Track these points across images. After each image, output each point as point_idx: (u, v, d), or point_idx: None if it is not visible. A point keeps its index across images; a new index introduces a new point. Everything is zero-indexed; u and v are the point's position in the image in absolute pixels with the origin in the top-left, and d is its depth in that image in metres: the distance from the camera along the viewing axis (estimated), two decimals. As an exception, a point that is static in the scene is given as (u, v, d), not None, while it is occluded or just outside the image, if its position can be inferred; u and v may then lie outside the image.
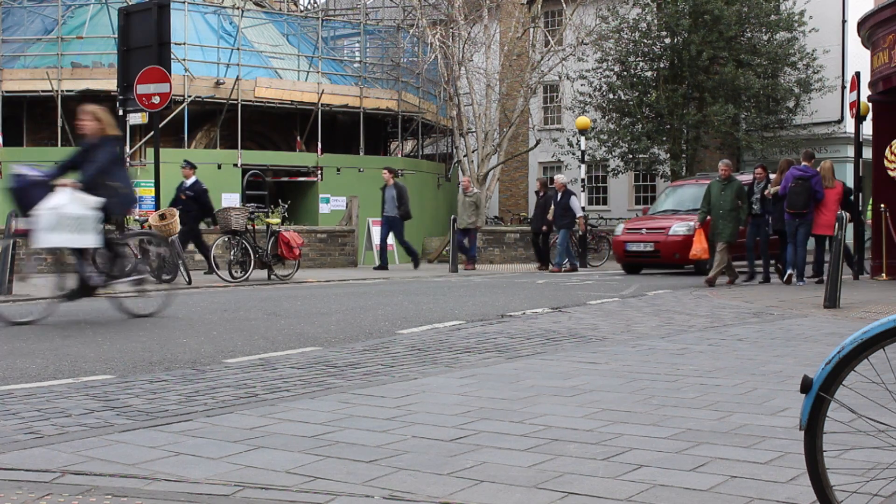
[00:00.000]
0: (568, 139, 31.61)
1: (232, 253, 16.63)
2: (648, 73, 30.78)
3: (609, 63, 30.86)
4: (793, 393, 5.49)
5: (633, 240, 20.62)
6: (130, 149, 23.12)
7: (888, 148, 16.29)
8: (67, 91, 24.70)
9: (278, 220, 17.79)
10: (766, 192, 16.06)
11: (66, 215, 9.52)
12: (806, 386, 2.77)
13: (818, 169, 15.65)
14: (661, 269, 20.58)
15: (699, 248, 16.48)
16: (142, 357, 7.38)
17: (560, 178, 22.38)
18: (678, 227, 19.78)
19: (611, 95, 30.78)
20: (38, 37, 26.59)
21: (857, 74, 17.19)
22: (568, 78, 31.45)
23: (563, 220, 21.49)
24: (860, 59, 21.60)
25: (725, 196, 15.88)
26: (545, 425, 4.79)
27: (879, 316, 8.85)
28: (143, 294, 11.21)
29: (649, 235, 20.34)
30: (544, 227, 22.05)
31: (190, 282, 15.53)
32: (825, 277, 14.50)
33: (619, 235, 21.17)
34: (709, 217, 16.45)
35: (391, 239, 23.13)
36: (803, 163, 15.83)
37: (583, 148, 26.31)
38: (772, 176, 16.78)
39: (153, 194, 17.73)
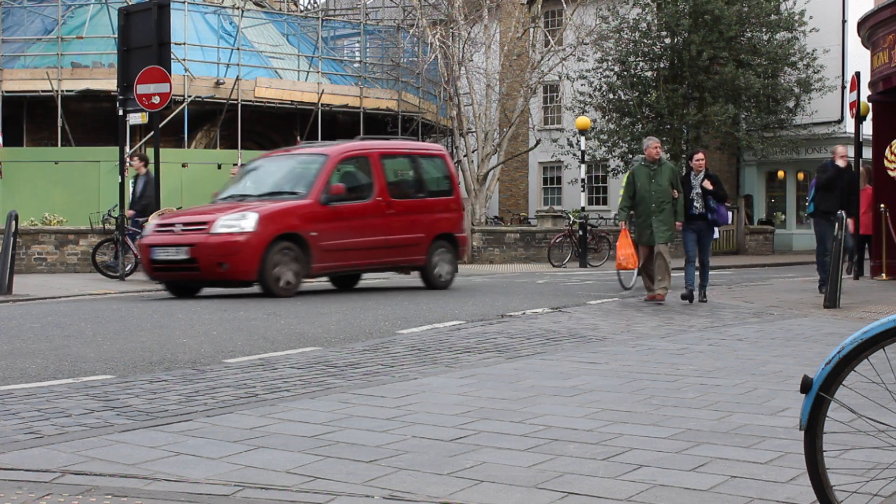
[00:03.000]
0: (568, 139, 31.60)
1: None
2: (648, 73, 30.79)
3: (609, 63, 30.86)
4: (793, 393, 5.49)
5: (163, 243, 13.32)
6: (130, 149, 23.11)
7: (888, 148, 16.28)
8: (67, 91, 24.69)
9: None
10: (704, 184, 12.58)
11: None
12: (806, 386, 2.77)
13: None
14: (208, 286, 13.76)
15: (625, 254, 12.88)
16: (142, 357, 7.38)
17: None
18: (227, 222, 13.01)
19: (611, 95, 30.78)
20: (38, 37, 26.59)
21: (857, 74, 17.18)
22: (568, 78, 31.45)
23: None
24: (860, 59, 21.59)
25: (658, 184, 12.26)
26: (545, 425, 4.79)
27: (879, 316, 8.83)
28: None
29: (185, 235, 13.19)
30: None
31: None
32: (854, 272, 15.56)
33: (146, 236, 13.87)
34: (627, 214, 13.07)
35: None
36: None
37: (583, 148, 26.31)
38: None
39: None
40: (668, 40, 30.01)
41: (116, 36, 19.31)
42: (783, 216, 35.45)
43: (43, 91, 24.74)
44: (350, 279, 15.48)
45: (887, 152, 16.29)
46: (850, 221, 13.19)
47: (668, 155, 30.52)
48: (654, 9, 30.18)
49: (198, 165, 25.38)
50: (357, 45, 31.58)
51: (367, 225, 14.17)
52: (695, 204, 12.49)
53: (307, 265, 13.32)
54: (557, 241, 24.09)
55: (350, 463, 4.06)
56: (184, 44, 25.09)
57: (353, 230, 13.91)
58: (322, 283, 15.44)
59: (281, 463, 4.06)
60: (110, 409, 5.28)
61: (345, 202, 13.95)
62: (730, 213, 31.02)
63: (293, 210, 13.47)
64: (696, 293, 12.48)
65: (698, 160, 12.76)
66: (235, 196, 14.31)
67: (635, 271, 13.81)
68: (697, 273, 12.54)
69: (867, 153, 18.05)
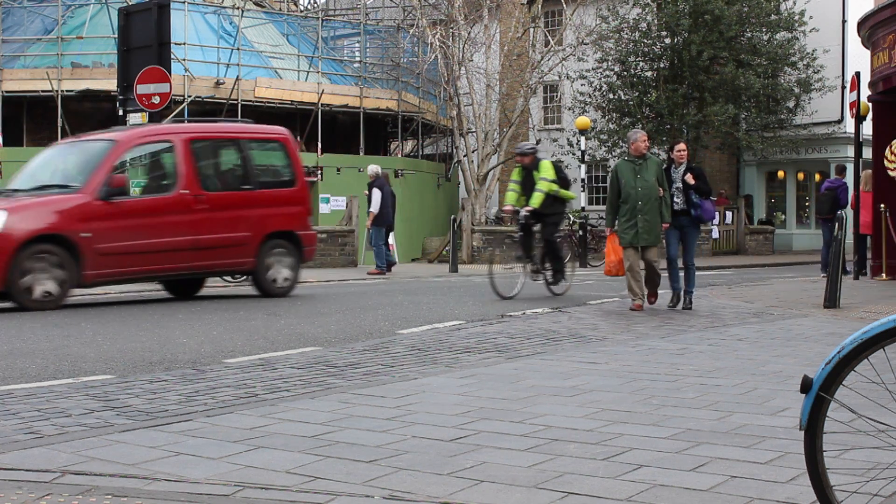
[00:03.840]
0: (568, 139, 31.61)
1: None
2: (648, 73, 30.80)
3: (609, 63, 30.88)
4: (793, 393, 5.49)
5: None
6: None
7: (888, 148, 16.27)
8: (67, 91, 24.68)
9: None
10: (686, 178, 11.32)
11: None
12: (806, 386, 2.77)
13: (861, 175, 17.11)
14: None
15: (615, 261, 11.45)
16: (142, 357, 7.38)
17: (370, 168, 19.99)
18: None
19: (611, 95, 30.79)
20: (38, 37, 26.57)
21: (857, 74, 17.18)
22: (568, 78, 31.46)
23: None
24: (860, 59, 21.59)
25: (644, 180, 11.07)
26: (545, 425, 4.79)
27: (879, 316, 8.83)
28: None
29: None
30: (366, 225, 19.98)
31: (190, 282, 15.51)
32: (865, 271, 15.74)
33: None
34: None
35: (391, 239, 23.26)
36: (834, 175, 17.83)
37: (583, 148, 26.31)
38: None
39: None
40: (668, 40, 30.01)
41: (116, 36, 19.31)
42: (783, 216, 35.47)
43: (43, 91, 24.72)
44: (188, 286, 13.42)
45: (887, 152, 16.28)
46: None
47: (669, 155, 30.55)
48: (654, 9, 30.19)
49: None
50: (357, 45, 31.57)
51: (167, 223, 12.05)
52: (675, 199, 11.36)
53: (77, 272, 11.28)
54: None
55: (350, 463, 4.06)
56: (184, 44, 25.08)
57: (145, 229, 11.86)
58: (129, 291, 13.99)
59: (281, 463, 4.06)
60: (110, 409, 5.29)
61: (134, 196, 12.15)
62: (730, 212, 31.06)
63: (57, 206, 11.43)
64: (681, 295, 11.44)
65: (679, 151, 11.55)
66: (6, 191, 12.40)
67: (520, 277, 13.04)
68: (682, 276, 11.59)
69: (867, 153, 18.05)
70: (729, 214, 30.95)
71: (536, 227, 13.13)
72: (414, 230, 28.78)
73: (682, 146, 11.71)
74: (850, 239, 18.24)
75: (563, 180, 13.44)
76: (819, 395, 2.76)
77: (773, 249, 31.97)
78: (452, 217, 23.32)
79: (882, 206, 16.56)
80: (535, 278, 13.20)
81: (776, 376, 6.30)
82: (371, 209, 19.16)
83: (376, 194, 19.16)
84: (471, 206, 27.84)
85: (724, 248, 30.05)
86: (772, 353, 7.48)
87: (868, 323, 2.83)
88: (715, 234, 29.54)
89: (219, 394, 5.75)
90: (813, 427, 2.79)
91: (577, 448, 4.30)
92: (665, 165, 11.59)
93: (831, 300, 11.28)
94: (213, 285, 15.49)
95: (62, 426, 4.83)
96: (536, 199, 12.89)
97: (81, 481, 3.77)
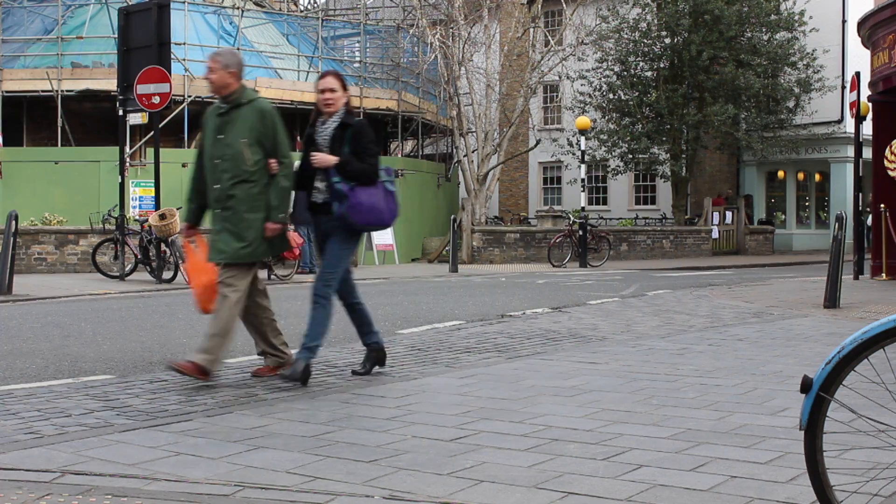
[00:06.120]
0: (568, 139, 31.61)
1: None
2: (648, 73, 30.80)
3: (609, 63, 30.87)
4: (793, 393, 5.49)
5: None
6: (130, 149, 23.10)
7: (888, 148, 16.27)
8: (67, 91, 24.67)
9: (278, 221, 17.77)
10: (314, 159, 6.41)
11: None
12: (806, 386, 2.77)
13: None
14: None
15: (202, 285, 6.69)
16: (142, 357, 7.39)
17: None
18: None
19: (611, 95, 30.78)
20: (38, 37, 26.56)
21: (857, 74, 17.17)
22: (568, 78, 31.45)
23: None
24: (860, 59, 21.58)
25: (226, 145, 6.45)
26: (545, 425, 4.79)
27: (879, 316, 8.85)
28: None
29: None
30: None
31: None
32: None
33: None
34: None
35: (391, 238, 23.25)
36: None
37: (583, 148, 26.30)
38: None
39: (153, 194, 17.73)
40: (668, 40, 30.01)
41: (116, 36, 19.32)
42: (783, 216, 35.47)
43: (43, 91, 24.71)
44: None
45: (887, 152, 16.28)
46: None
47: (669, 155, 30.49)
48: (654, 9, 30.18)
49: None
50: (357, 45, 31.56)
51: None
52: (316, 184, 6.47)
53: None
54: (557, 241, 24.10)
55: (350, 463, 4.06)
56: (184, 44, 25.09)
57: None
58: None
59: (281, 463, 4.06)
60: (110, 409, 5.29)
61: None
62: (730, 212, 31.01)
63: None
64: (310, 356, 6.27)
65: (325, 92, 6.46)
66: None
67: None
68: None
69: (867, 153, 18.05)
70: (729, 214, 30.96)
71: None
72: (414, 230, 28.77)
73: (328, 81, 6.52)
74: (849, 239, 18.25)
75: None
76: (819, 395, 2.76)
77: (773, 249, 31.97)
78: (452, 217, 23.32)
79: (882, 206, 16.56)
80: None
81: (776, 376, 6.30)
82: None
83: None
84: (471, 206, 27.84)
85: (724, 248, 30.05)
86: (772, 353, 7.48)
87: (868, 323, 2.83)
88: (715, 234, 29.54)
89: (219, 394, 5.75)
90: (813, 427, 2.79)
91: (577, 448, 4.30)
92: (311, 126, 6.64)
93: (831, 300, 11.28)
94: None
95: (62, 426, 4.83)
96: None
97: (81, 481, 3.77)
